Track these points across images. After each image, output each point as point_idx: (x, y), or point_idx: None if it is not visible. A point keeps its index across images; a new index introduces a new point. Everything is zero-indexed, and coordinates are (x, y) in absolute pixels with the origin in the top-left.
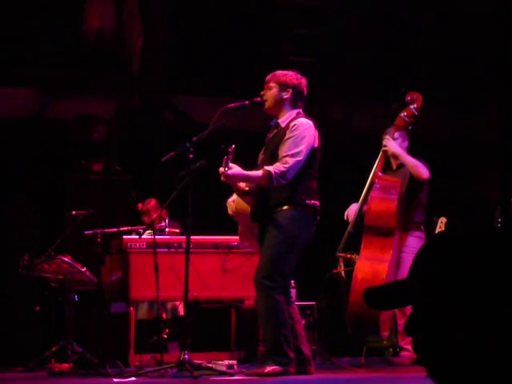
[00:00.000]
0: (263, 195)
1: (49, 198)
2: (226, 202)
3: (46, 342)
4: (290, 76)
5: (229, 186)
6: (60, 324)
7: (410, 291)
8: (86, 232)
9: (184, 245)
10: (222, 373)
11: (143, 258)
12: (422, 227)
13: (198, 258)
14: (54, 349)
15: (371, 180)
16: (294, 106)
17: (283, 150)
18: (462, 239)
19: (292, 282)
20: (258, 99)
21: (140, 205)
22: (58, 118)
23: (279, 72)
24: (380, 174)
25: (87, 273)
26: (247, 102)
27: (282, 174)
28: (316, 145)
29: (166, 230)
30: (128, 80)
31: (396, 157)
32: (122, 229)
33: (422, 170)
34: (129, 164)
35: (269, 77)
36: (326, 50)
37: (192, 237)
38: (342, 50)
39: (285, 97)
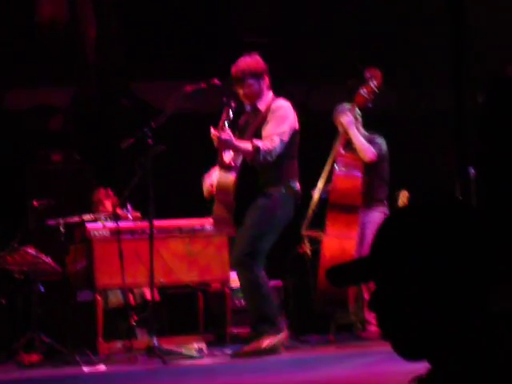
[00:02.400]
0: (250, 174)
1: (8, 189)
2: (187, 186)
3: (13, 334)
4: (257, 63)
5: (189, 171)
6: (27, 315)
7: (371, 267)
8: (49, 222)
9: (148, 231)
10: (191, 357)
11: (107, 245)
12: (386, 202)
13: (162, 243)
14: (22, 340)
15: (333, 158)
16: (269, 89)
17: (267, 131)
18: (420, 213)
19: None
20: (215, 81)
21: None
22: (15, 108)
23: (244, 65)
24: (342, 151)
25: (52, 263)
26: (204, 85)
27: (269, 151)
28: (297, 127)
29: (129, 216)
30: (84, 68)
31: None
32: (84, 217)
33: (367, 151)
34: (88, 152)
35: (238, 73)
36: (280, 30)
37: (155, 222)
38: (296, 29)
39: (263, 85)
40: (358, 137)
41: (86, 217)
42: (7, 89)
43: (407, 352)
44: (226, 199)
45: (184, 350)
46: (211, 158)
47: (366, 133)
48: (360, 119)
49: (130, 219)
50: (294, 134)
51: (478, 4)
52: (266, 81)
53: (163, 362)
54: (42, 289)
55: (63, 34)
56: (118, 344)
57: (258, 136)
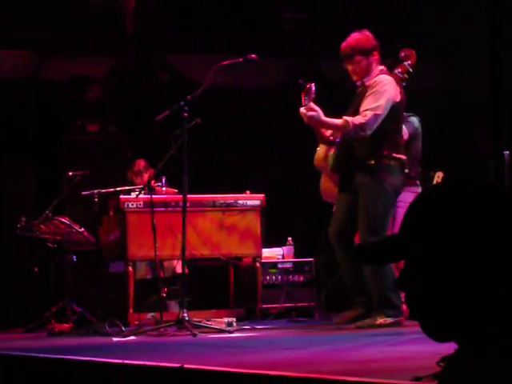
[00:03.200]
0: (348, 146)
1: (45, 159)
2: (221, 161)
3: (45, 302)
4: (367, 39)
5: (224, 146)
6: (59, 285)
7: (401, 245)
8: (84, 192)
9: (181, 204)
10: (220, 330)
11: (140, 217)
12: (418, 182)
13: (195, 216)
14: (53, 309)
15: None
16: (379, 64)
17: (363, 106)
18: (451, 192)
19: (289, 238)
20: (252, 56)
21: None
22: (53, 79)
23: (354, 41)
24: None
25: (85, 233)
26: (241, 60)
27: (361, 125)
28: (398, 99)
29: (163, 189)
30: (122, 40)
31: None
32: (119, 188)
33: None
34: (124, 124)
35: (347, 49)
36: (320, 7)
37: (189, 195)
38: (335, 5)
39: (372, 61)
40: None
41: (121, 188)
42: (45, 59)
43: (435, 332)
44: (329, 172)
45: (213, 324)
46: (245, 132)
47: None
48: None
49: (164, 192)
50: (396, 106)
51: None
52: (376, 57)
53: (192, 335)
54: (75, 258)
55: (102, 5)
56: (149, 316)
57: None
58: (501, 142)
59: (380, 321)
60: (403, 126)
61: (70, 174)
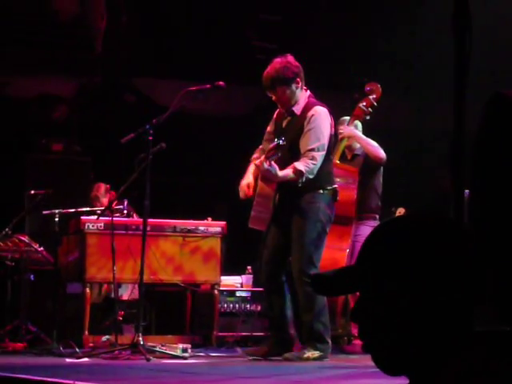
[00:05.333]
0: (287, 183)
1: (7, 176)
2: (185, 186)
3: (0, 320)
4: (288, 67)
5: (189, 170)
6: (15, 303)
7: (357, 276)
8: (44, 212)
9: (142, 227)
10: (175, 356)
11: (100, 239)
12: (377, 216)
13: (155, 240)
14: (7, 328)
15: None
16: (302, 88)
17: (307, 144)
18: (409, 225)
19: (249, 267)
20: (220, 83)
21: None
22: (20, 96)
23: (274, 69)
24: (338, 162)
25: (44, 252)
26: (209, 86)
27: (312, 171)
28: (332, 132)
29: (125, 211)
30: (91, 60)
31: (352, 139)
32: (80, 209)
33: (379, 150)
34: (89, 145)
35: (267, 81)
36: (289, 37)
37: (150, 220)
38: (305, 37)
39: (295, 89)
40: (368, 140)
41: (82, 209)
42: (12, 76)
43: (387, 366)
44: (266, 204)
45: (168, 349)
46: (210, 158)
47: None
48: (360, 131)
49: (125, 215)
50: (330, 139)
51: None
52: (299, 84)
53: (146, 359)
54: (32, 277)
55: (73, 24)
56: (103, 338)
57: (295, 143)
58: (461, 180)
59: (308, 354)
60: (380, 148)
61: (32, 192)
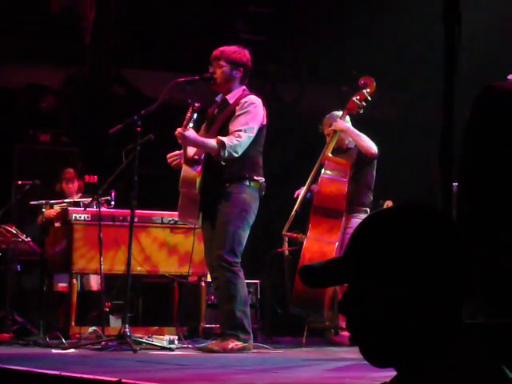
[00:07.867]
0: (213, 168)
1: None
2: (172, 177)
3: None
4: (240, 54)
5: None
6: (1, 294)
7: (344, 268)
8: (32, 202)
9: (129, 218)
10: (162, 347)
11: (87, 230)
12: (369, 210)
13: (142, 232)
14: None
15: (321, 161)
16: (241, 83)
17: (235, 125)
18: (394, 217)
19: None
20: (208, 75)
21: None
22: (7, 86)
23: (228, 49)
24: (330, 155)
25: (31, 243)
26: (197, 77)
27: (235, 147)
28: (264, 122)
29: (112, 202)
30: (79, 51)
31: (345, 133)
32: (67, 200)
33: (371, 145)
34: (77, 136)
35: (217, 53)
36: (279, 30)
37: (137, 211)
38: (294, 29)
39: (236, 76)
40: (361, 134)
41: (69, 200)
42: (1, 65)
43: (374, 358)
44: (190, 192)
45: (155, 341)
46: None
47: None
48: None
49: (111, 206)
50: (261, 129)
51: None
52: (241, 74)
53: (133, 351)
54: (19, 268)
55: (62, 14)
56: (90, 329)
57: (225, 129)
58: (450, 172)
59: (231, 345)
60: (372, 143)
61: (19, 182)
